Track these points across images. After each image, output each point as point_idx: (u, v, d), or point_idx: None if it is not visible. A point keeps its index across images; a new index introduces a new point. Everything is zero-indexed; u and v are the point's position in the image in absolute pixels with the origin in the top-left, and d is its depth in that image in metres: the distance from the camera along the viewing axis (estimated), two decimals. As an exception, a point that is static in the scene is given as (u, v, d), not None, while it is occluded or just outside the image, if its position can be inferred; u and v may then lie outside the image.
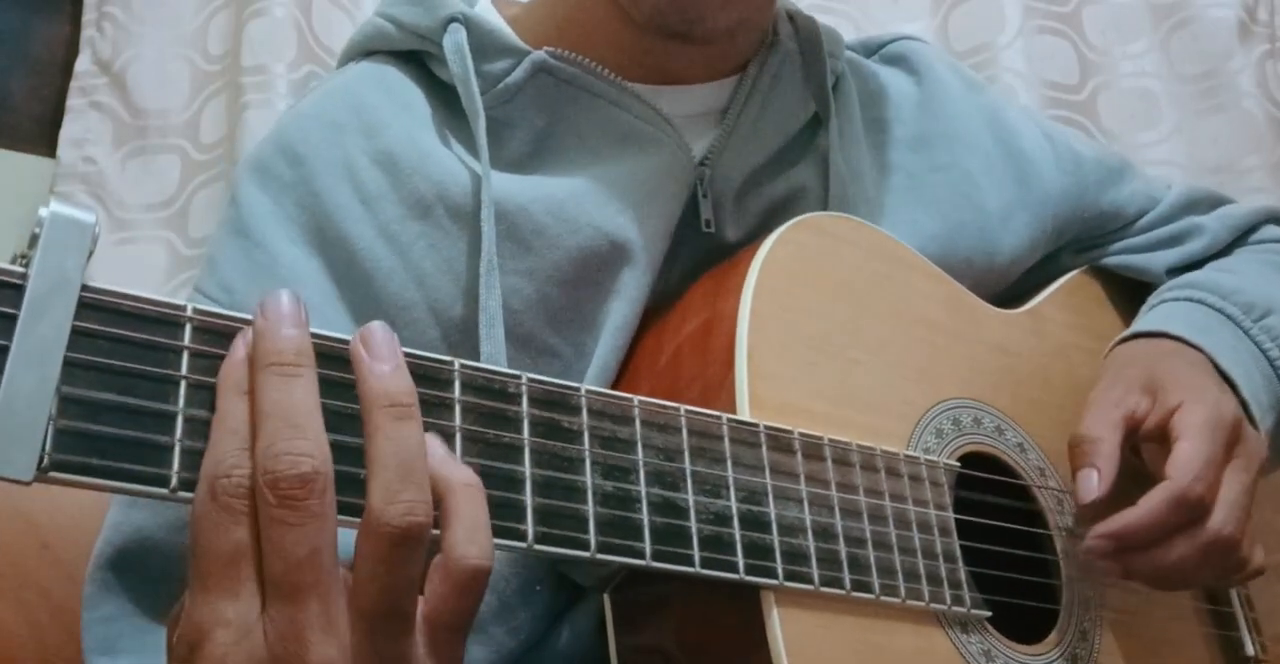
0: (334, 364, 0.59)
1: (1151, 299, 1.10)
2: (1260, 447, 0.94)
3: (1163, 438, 0.91)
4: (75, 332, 0.51)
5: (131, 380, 0.53)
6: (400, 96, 0.95)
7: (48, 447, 0.50)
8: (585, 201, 0.90)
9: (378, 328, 0.59)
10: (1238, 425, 0.92)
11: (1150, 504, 0.85)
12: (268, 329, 0.56)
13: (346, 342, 0.59)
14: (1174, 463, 0.87)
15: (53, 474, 0.50)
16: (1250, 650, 1.03)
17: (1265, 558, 0.94)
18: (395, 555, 0.55)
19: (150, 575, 0.82)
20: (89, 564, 0.84)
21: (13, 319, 0.50)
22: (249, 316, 0.57)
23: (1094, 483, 0.88)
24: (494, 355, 0.84)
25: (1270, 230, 1.19)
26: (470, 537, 0.57)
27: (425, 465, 0.57)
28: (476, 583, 0.57)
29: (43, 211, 0.51)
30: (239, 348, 0.56)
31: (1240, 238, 1.18)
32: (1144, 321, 1.05)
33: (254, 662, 0.53)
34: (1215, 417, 0.90)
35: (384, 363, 0.58)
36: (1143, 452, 0.93)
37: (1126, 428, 0.91)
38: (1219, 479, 0.88)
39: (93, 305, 0.52)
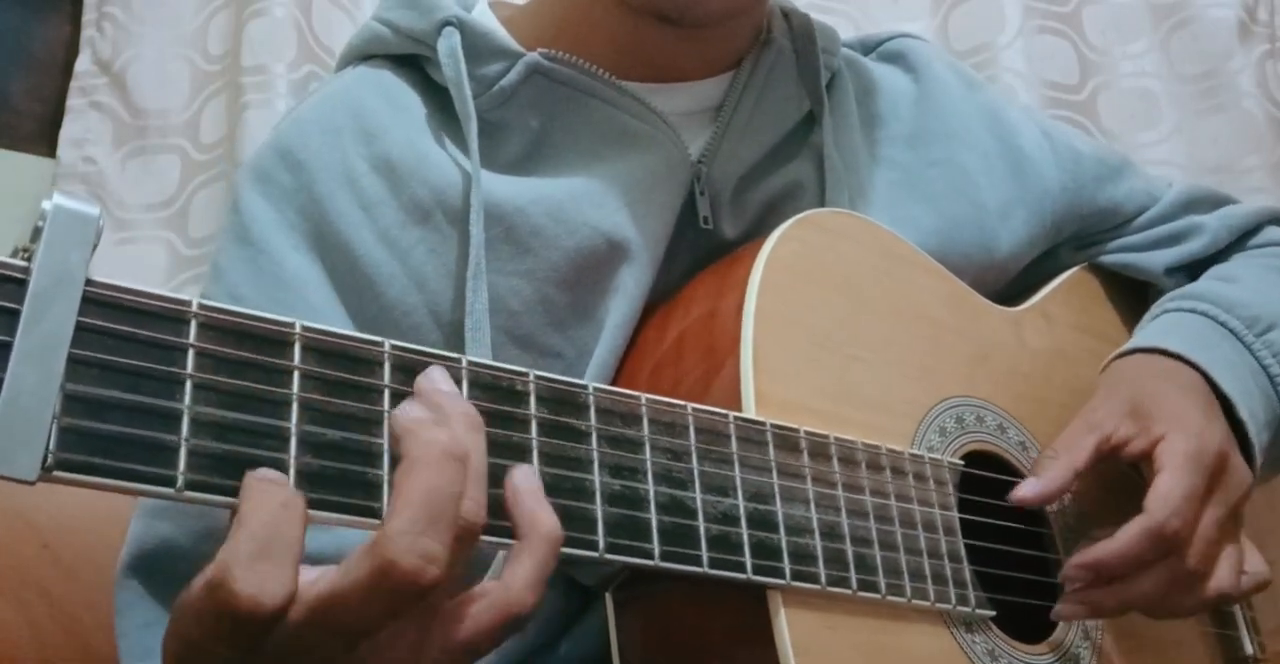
0: (341, 363, 0.58)
1: (1154, 308, 1.10)
2: (1244, 478, 0.93)
3: (1146, 464, 0.90)
4: (79, 328, 0.50)
5: (137, 378, 0.52)
6: (397, 100, 0.95)
7: (51, 446, 0.49)
8: (582, 202, 0.90)
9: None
10: (1223, 458, 0.91)
11: (1126, 537, 0.85)
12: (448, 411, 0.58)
13: (358, 339, 0.60)
14: (1153, 496, 0.87)
15: (57, 474, 0.49)
16: (1249, 649, 1.03)
17: (1265, 567, 0.94)
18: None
19: (181, 582, 0.82)
20: (116, 572, 0.84)
21: (15, 315, 0.49)
22: (252, 313, 0.57)
23: (1027, 489, 0.87)
24: (480, 358, 0.84)
25: (1271, 232, 1.18)
26: (534, 584, 0.58)
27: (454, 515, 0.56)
28: (517, 627, 0.58)
29: (45, 204, 0.50)
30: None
31: (1240, 239, 1.17)
32: (1144, 335, 1.04)
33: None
34: (1198, 449, 0.90)
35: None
36: (1142, 471, 0.93)
37: (1097, 452, 0.90)
38: (1198, 514, 0.88)
39: (97, 301, 0.52)
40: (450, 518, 0.55)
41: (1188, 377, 0.97)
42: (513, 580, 0.57)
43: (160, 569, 0.82)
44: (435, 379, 0.60)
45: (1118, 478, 0.95)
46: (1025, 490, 0.87)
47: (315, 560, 0.56)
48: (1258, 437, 0.96)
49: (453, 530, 0.55)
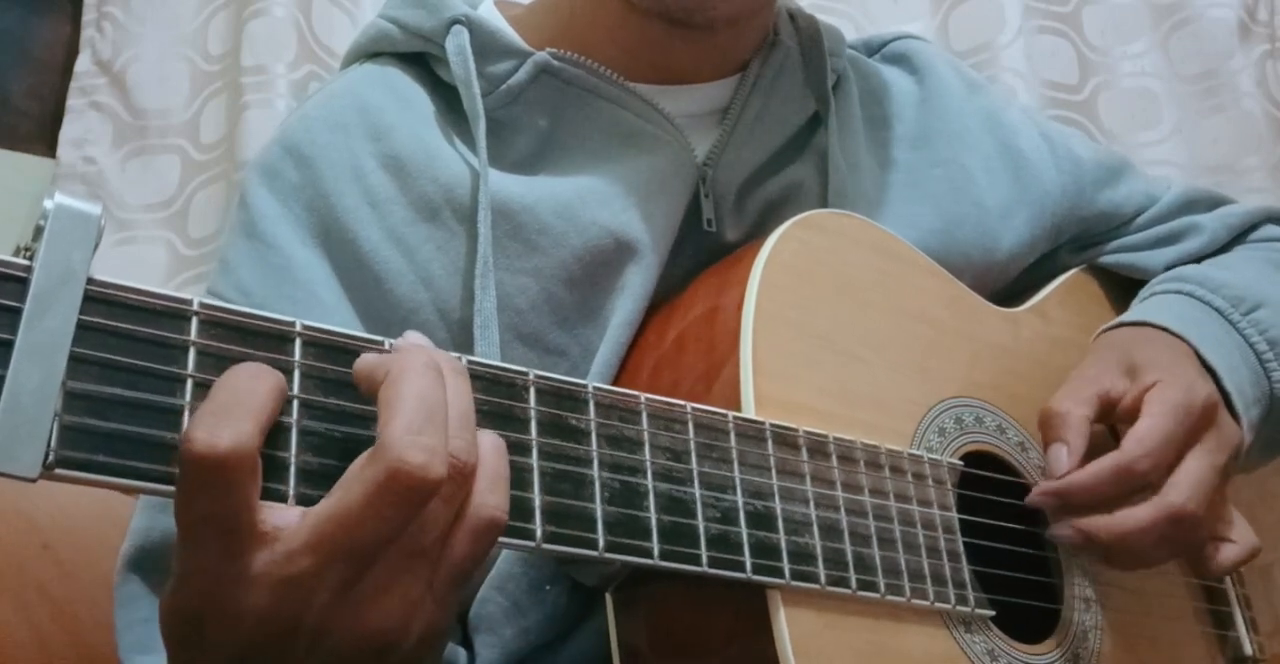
0: (341, 360, 0.58)
1: (1143, 292, 1.11)
2: (1235, 434, 0.94)
3: (1135, 416, 0.91)
4: (81, 326, 0.51)
5: (138, 376, 0.52)
6: (405, 98, 0.95)
7: (53, 443, 0.49)
8: (590, 201, 0.90)
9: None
10: (1210, 410, 0.92)
11: (1093, 469, 0.86)
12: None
13: (347, 336, 0.60)
14: (1130, 436, 0.88)
15: (59, 471, 0.49)
16: (1248, 650, 1.03)
17: (1263, 554, 0.94)
18: (447, 492, 0.56)
19: None
20: (117, 566, 0.84)
21: (17, 313, 0.49)
22: (252, 312, 0.57)
23: (1063, 457, 0.88)
24: (488, 355, 0.85)
25: (1269, 230, 1.19)
26: (491, 487, 0.58)
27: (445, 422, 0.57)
28: (491, 534, 0.58)
29: (47, 203, 0.50)
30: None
31: (1239, 237, 1.18)
32: (1132, 312, 1.05)
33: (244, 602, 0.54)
34: (1185, 399, 0.90)
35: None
36: (1119, 432, 0.93)
37: (1099, 405, 0.91)
38: (1175, 457, 0.89)
39: (99, 299, 0.52)
40: (442, 419, 0.56)
41: (1177, 344, 0.98)
42: (476, 490, 0.58)
43: (162, 564, 0.82)
44: (411, 336, 0.61)
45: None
46: (1059, 460, 0.88)
47: None
48: (1246, 412, 0.97)
49: (444, 433, 0.56)
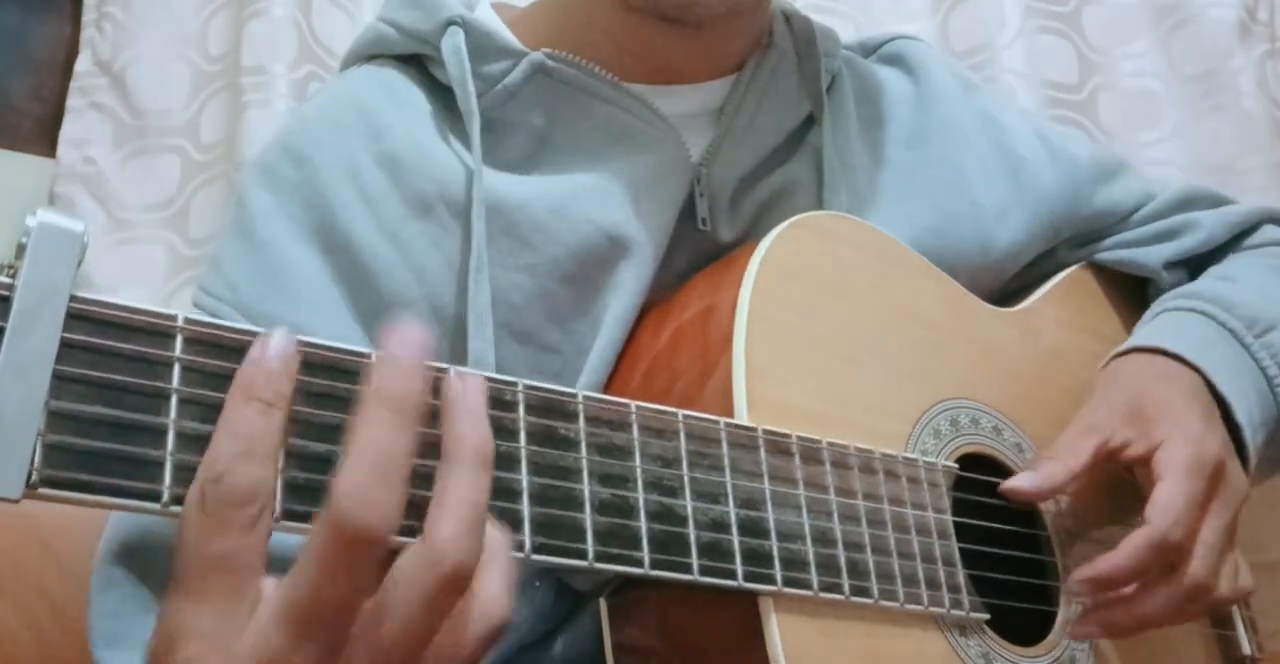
0: (326, 374, 0.58)
1: (1154, 307, 1.10)
2: (1241, 486, 0.93)
3: (1144, 470, 0.90)
4: (64, 344, 0.50)
5: (122, 393, 0.52)
6: (402, 99, 0.95)
7: (36, 462, 0.49)
8: (584, 198, 0.91)
9: (471, 380, 0.59)
10: (1220, 465, 0.91)
11: (1129, 548, 0.85)
12: (397, 364, 0.55)
13: (335, 350, 0.59)
14: (1154, 505, 0.87)
15: (41, 490, 0.49)
16: (1247, 649, 1.03)
17: (1270, 554, 0.94)
18: (441, 595, 0.54)
19: (157, 569, 0.81)
20: (95, 559, 0.84)
21: (0, 332, 0.49)
22: (240, 326, 0.56)
23: (1023, 481, 0.87)
24: (483, 351, 0.85)
25: (1269, 231, 1.18)
26: (505, 591, 0.57)
27: (406, 470, 0.55)
28: (498, 637, 0.57)
29: (30, 221, 0.50)
30: (256, 349, 0.55)
31: (1238, 236, 1.17)
32: (1143, 334, 1.04)
33: None
34: (1197, 456, 0.89)
35: (474, 409, 0.58)
36: (1136, 474, 0.93)
37: (1095, 455, 0.90)
38: (1200, 521, 0.88)
39: (82, 317, 0.51)
40: (396, 469, 0.53)
41: (1187, 379, 0.97)
42: (485, 590, 0.57)
43: (138, 560, 0.82)
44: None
45: (1114, 481, 0.95)
46: (1021, 482, 0.87)
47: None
48: (1252, 438, 0.96)
49: (403, 484, 0.53)
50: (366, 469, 0.52)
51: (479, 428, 0.57)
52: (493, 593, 0.57)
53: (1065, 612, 0.91)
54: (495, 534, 0.58)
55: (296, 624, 0.52)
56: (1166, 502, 0.87)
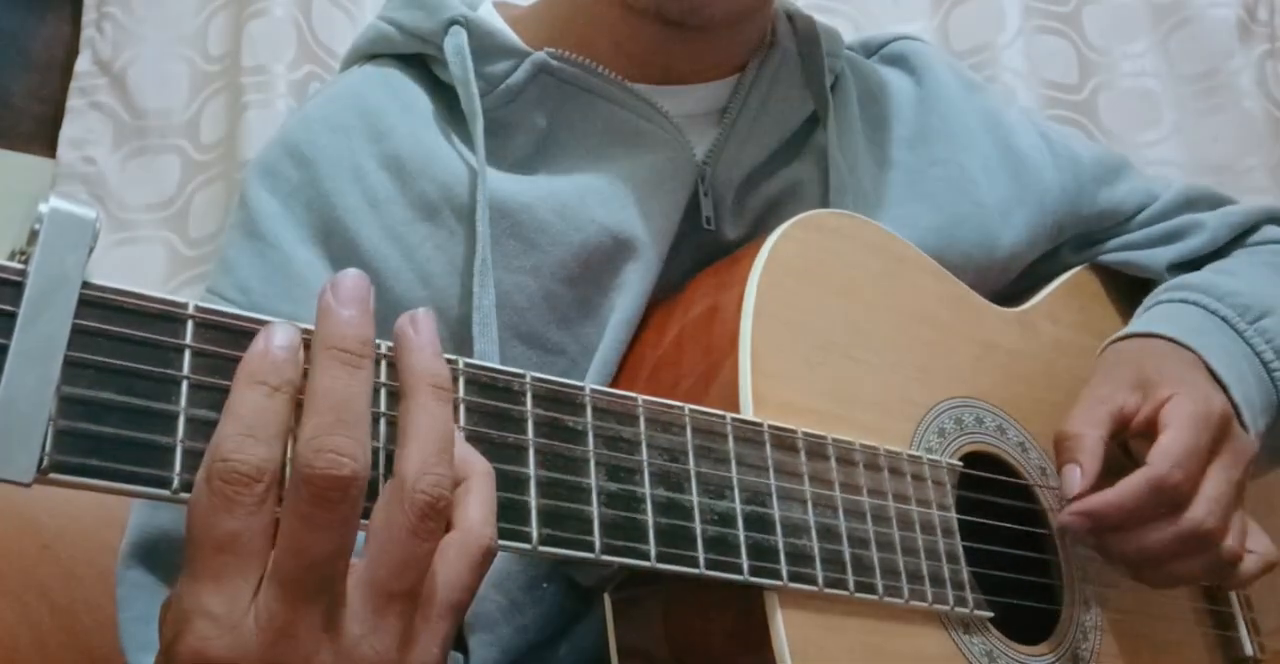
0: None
1: (1147, 300, 1.10)
2: (1249, 445, 0.94)
3: (1152, 430, 0.91)
4: (76, 330, 0.50)
5: (133, 380, 0.52)
6: (405, 99, 0.95)
7: (48, 448, 0.49)
8: (589, 199, 0.90)
9: (420, 315, 0.59)
10: (1226, 421, 0.92)
11: (1127, 486, 0.86)
12: (335, 311, 0.55)
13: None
14: (1156, 450, 0.88)
15: (53, 476, 0.49)
16: (1249, 650, 1.03)
17: (1273, 548, 0.94)
18: (422, 528, 0.54)
19: (177, 569, 0.82)
20: (117, 565, 0.85)
21: (12, 317, 0.49)
22: (248, 315, 0.57)
23: (1076, 478, 0.88)
24: (487, 353, 0.85)
25: (1270, 231, 1.18)
26: (488, 519, 0.58)
27: (455, 445, 0.57)
28: (488, 562, 0.58)
29: (42, 207, 0.50)
30: (260, 341, 0.55)
31: (1240, 237, 1.17)
32: (1138, 323, 1.05)
33: (237, 657, 0.52)
34: (1204, 410, 0.90)
35: (425, 344, 0.58)
36: (1131, 447, 0.93)
37: (1112, 424, 0.91)
38: (1201, 470, 0.89)
39: (93, 303, 0.52)
40: (355, 416, 0.54)
41: (1186, 355, 0.98)
42: (468, 518, 0.57)
43: (159, 560, 0.83)
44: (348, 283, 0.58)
45: (1118, 478, 0.95)
46: (1070, 520, 0.88)
47: None
48: (1254, 423, 0.97)
49: (363, 427, 0.54)
50: (324, 415, 0.53)
51: (432, 361, 0.58)
52: (475, 519, 0.57)
53: (1068, 609, 0.91)
54: (474, 461, 0.59)
55: (290, 588, 0.52)
56: (1167, 447, 0.87)
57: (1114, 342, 1.03)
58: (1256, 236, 1.18)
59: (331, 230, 0.90)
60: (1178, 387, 0.92)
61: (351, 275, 0.56)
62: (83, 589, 1.09)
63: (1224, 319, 1.02)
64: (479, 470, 0.59)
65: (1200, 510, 0.87)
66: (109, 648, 0.85)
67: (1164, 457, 0.87)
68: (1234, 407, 0.95)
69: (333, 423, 0.53)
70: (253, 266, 0.90)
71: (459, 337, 0.88)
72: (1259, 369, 1.00)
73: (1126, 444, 0.94)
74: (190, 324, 0.54)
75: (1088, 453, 0.89)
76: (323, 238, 0.90)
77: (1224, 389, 0.96)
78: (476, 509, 0.57)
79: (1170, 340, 0.99)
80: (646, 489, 0.67)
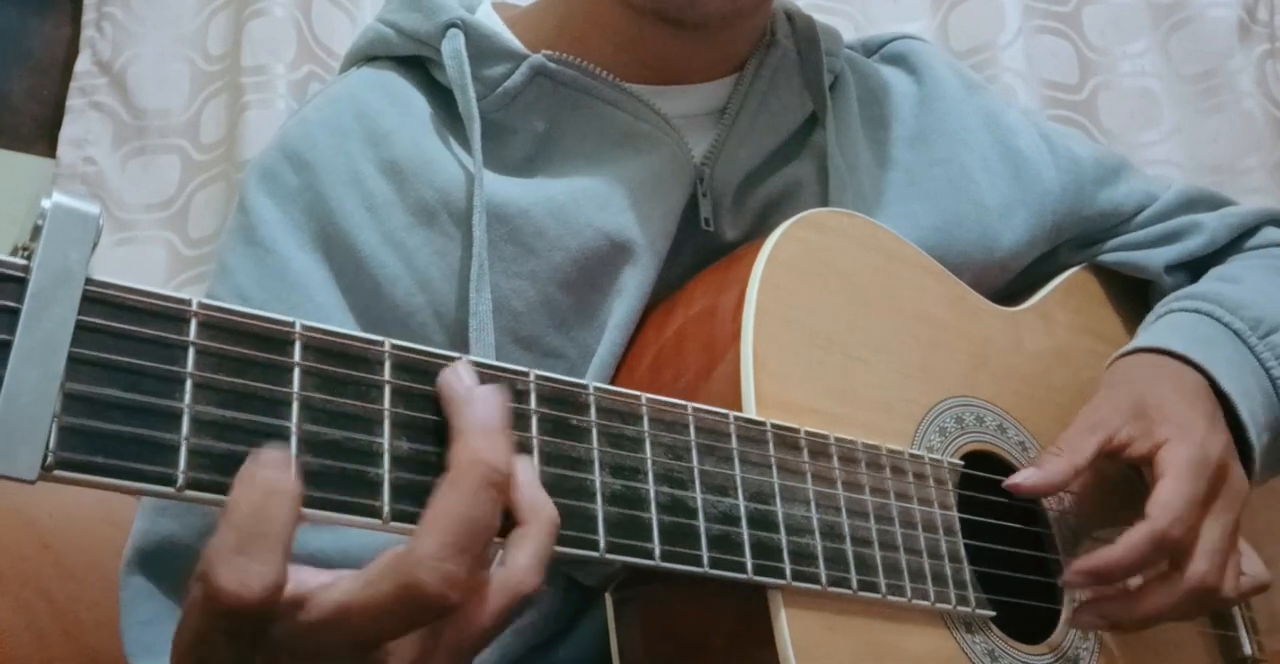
0: (341, 362, 0.58)
1: (1157, 308, 1.10)
2: (1243, 486, 0.93)
3: (1147, 468, 0.90)
4: (79, 326, 0.50)
5: (137, 377, 0.52)
6: (403, 102, 0.95)
7: (51, 444, 0.49)
8: (586, 203, 0.90)
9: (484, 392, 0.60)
10: (1224, 466, 0.91)
11: (1128, 542, 0.85)
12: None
13: (359, 338, 0.60)
14: (1155, 502, 0.87)
15: (57, 473, 0.49)
16: (1248, 650, 1.03)
17: (1264, 570, 0.94)
18: (410, 619, 0.56)
19: (183, 578, 0.82)
20: (120, 569, 0.85)
21: (15, 313, 0.49)
22: (252, 312, 0.57)
23: (1026, 477, 0.87)
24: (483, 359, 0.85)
25: (1270, 232, 1.18)
26: (536, 567, 0.58)
27: (522, 489, 0.59)
28: (522, 609, 0.58)
29: (45, 202, 0.50)
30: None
31: (1240, 238, 1.17)
32: (1148, 335, 1.04)
33: None
34: (1200, 457, 0.89)
35: (488, 423, 0.58)
36: (1144, 473, 0.93)
37: (1099, 450, 0.90)
38: (1200, 521, 0.88)
39: (97, 299, 0.51)
40: (479, 547, 0.55)
41: (1191, 379, 0.97)
42: (516, 563, 0.58)
43: (163, 566, 0.83)
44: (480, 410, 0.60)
45: (1119, 479, 0.95)
46: (1024, 478, 0.87)
47: (317, 560, 0.56)
48: (1258, 438, 0.97)
49: (478, 556, 0.55)
50: (449, 541, 0.55)
51: (488, 449, 0.57)
52: (523, 565, 0.58)
53: (1069, 609, 0.91)
54: (541, 508, 0.59)
55: (347, 634, 0.55)
56: (1166, 499, 0.87)
57: (1124, 355, 1.02)
58: (1256, 238, 1.18)
59: (330, 235, 0.90)
60: (1175, 428, 0.91)
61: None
62: (83, 589, 1.09)
63: (1235, 332, 1.02)
64: (543, 518, 0.59)
65: (1201, 565, 0.87)
66: (109, 647, 0.85)
67: (1163, 510, 0.86)
68: (1240, 426, 0.95)
69: (455, 551, 0.55)
70: (250, 272, 0.89)
71: (456, 341, 0.88)
72: (1266, 385, 1.00)
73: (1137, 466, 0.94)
74: (194, 321, 0.54)
75: (1056, 469, 0.88)
76: (321, 243, 0.90)
77: (1231, 407, 0.96)
78: (528, 556, 0.58)
79: (1179, 357, 0.98)
80: (650, 487, 0.67)
